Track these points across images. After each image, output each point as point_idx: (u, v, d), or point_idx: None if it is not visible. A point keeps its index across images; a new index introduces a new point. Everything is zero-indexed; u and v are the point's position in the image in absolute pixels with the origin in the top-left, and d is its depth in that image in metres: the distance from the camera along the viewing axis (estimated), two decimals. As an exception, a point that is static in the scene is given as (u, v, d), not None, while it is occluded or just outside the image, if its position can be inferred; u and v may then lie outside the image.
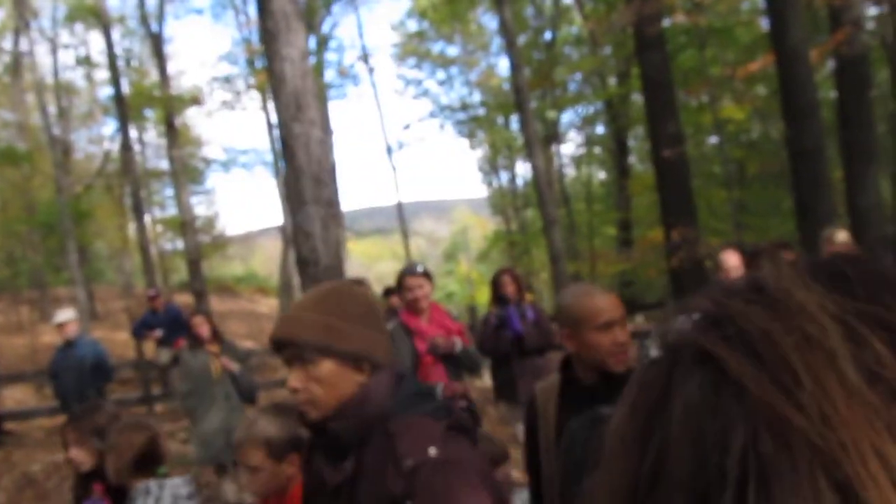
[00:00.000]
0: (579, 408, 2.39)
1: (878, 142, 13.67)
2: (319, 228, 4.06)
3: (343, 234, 21.51)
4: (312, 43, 19.47)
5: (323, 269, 4.07)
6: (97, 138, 29.24)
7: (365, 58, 18.40)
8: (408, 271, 4.77)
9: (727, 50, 16.81)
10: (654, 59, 11.48)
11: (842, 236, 5.00)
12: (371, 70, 21.23)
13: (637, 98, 19.11)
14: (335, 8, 20.38)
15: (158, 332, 11.10)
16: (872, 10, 11.02)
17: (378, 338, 1.79)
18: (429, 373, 4.73)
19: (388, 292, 8.58)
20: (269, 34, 4.24)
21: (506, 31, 9.62)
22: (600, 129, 25.40)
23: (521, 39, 22.39)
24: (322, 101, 20.21)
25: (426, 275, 4.74)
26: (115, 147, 24.07)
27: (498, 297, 6.70)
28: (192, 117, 25.26)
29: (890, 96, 14.30)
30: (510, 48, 9.40)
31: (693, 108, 17.13)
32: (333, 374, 1.74)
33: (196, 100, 17.32)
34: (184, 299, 19.92)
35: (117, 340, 18.23)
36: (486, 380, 9.84)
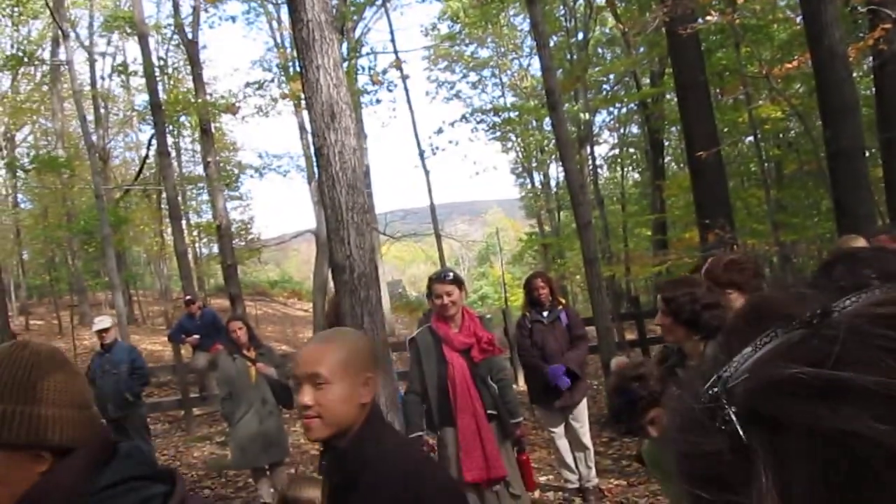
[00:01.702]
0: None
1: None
2: (354, 236, 4.08)
3: (377, 237, 21.60)
4: (345, 48, 19.59)
5: (358, 275, 4.08)
6: (134, 144, 29.75)
7: (398, 64, 18.44)
8: (437, 278, 4.75)
9: (763, 48, 16.59)
10: (688, 59, 11.36)
11: (860, 243, 4.78)
12: (405, 78, 21.30)
13: (671, 98, 18.94)
14: (367, 13, 20.45)
15: (195, 337, 11.24)
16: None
17: (60, 414, 1.37)
18: (455, 379, 4.69)
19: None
20: (302, 43, 4.26)
21: (537, 32, 9.58)
22: (634, 130, 25.25)
23: (553, 41, 22.29)
24: (356, 106, 20.31)
25: (456, 281, 4.71)
26: (151, 153, 24.44)
27: (531, 301, 6.69)
28: (226, 122, 25.53)
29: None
30: (541, 50, 9.36)
31: (729, 107, 16.93)
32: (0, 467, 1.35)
33: (231, 108, 17.50)
34: (220, 303, 20.14)
35: (156, 344, 18.47)
36: (521, 384, 9.83)
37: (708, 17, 10.36)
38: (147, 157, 25.46)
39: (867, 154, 13.36)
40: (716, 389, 0.39)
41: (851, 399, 0.33)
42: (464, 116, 23.46)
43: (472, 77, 27.24)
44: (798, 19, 10.30)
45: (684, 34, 10.23)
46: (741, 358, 0.40)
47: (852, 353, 0.34)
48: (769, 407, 0.36)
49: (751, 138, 16.59)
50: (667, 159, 22.11)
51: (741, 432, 0.37)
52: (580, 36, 21.60)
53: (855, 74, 14.85)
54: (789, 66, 10.33)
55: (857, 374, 0.33)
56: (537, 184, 28.71)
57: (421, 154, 20.41)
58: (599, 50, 23.39)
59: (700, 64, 11.65)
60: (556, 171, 26.88)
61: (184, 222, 21.43)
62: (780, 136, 19.12)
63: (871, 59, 9.52)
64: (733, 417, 0.37)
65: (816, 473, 0.34)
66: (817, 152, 10.41)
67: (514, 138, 27.01)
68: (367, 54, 19.97)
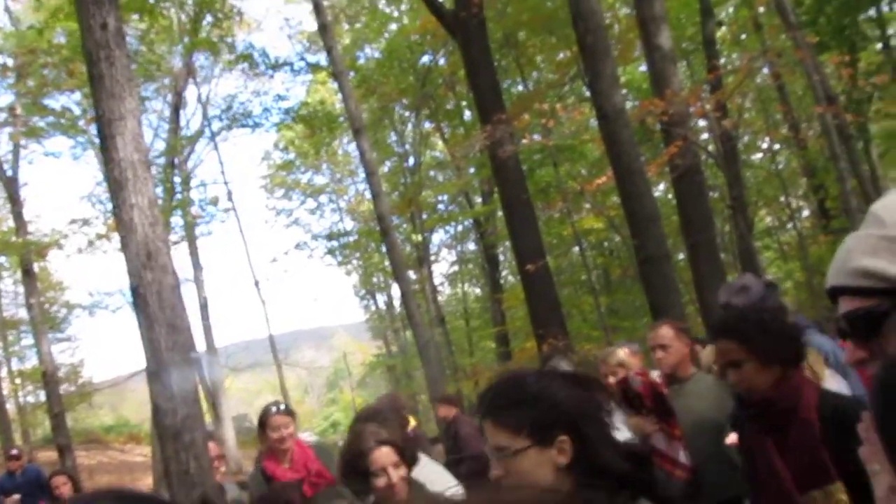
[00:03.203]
0: None
1: (721, 242, 14.67)
2: (176, 377, 3.97)
3: (220, 371, 20.82)
4: (178, 180, 19.34)
5: (182, 419, 3.94)
6: (-53, 291, 27.51)
7: (228, 195, 18.48)
8: (271, 411, 4.62)
9: (579, 165, 17.89)
10: (511, 178, 12.05)
11: (619, 356, 4.25)
12: (234, 209, 21.33)
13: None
14: (198, 146, 20.41)
15: (15, 498, 10.27)
16: (701, 123, 12.04)
17: None
18: None
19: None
20: (115, 183, 4.23)
21: (364, 161, 9.94)
22: (472, 247, 26.10)
23: (388, 165, 23.05)
24: (190, 239, 19.92)
25: (290, 413, 4.62)
26: (-33, 299, 22.72)
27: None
28: (51, 261, 24.23)
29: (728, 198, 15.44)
30: (370, 177, 9.72)
31: (555, 221, 17.96)
32: None
33: (43, 252, 16.71)
34: (48, 455, 18.56)
35: (-29, 510, 16.67)
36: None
37: (524, 140, 11.13)
38: (-38, 303, 23.64)
39: (682, 256, 14.50)
40: None
41: None
42: (298, 244, 23.56)
43: (310, 203, 27.49)
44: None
45: (505, 156, 10.92)
46: None
47: None
48: None
49: (577, 248, 17.59)
50: (504, 272, 22.92)
51: None
52: (412, 160, 22.47)
53: (664, 185, 16.27)
54: (599, 181, 11.18)
55: None
56: (381, 305, 28.91)
57: (256, 284, 20.16)
58: (431, 172, 24.33)
59: (522, 182, 12.37)
60: (398, 292, 27.21)
61: (4, 370, 19.86)
62: (604, 244, 20.38)
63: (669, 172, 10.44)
64: None
65: None
66: (633, 259, 11.17)
67: (354, 262, 27.25)
68: (198, 186, 19.82)
